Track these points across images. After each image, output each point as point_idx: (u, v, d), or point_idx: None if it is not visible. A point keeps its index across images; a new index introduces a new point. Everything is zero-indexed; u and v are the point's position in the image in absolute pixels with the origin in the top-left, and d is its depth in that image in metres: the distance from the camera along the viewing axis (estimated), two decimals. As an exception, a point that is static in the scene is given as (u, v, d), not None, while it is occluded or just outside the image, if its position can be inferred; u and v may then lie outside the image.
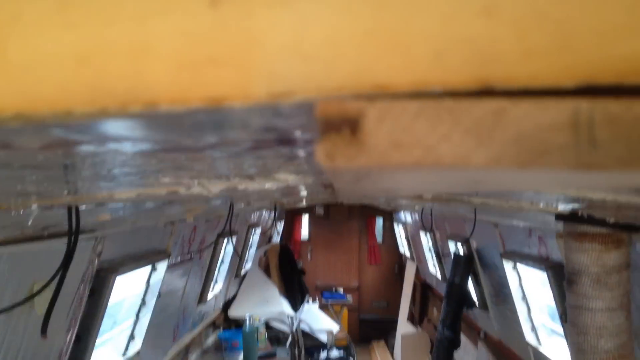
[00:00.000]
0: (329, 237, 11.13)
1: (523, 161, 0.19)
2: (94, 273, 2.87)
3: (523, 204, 1.95)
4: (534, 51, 0.19)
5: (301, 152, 0.44)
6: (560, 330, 3.82)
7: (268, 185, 1.04)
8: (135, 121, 0.24)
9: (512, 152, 0.19)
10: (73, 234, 1.55)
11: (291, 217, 10.98)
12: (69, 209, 1.44)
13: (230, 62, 0.21)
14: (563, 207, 1.92)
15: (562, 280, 2.36)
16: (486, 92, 0.19)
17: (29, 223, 1.30)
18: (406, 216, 8.47)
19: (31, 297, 1.83)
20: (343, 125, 0.21)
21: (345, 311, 10.00)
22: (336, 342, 7.81)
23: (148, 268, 3.78)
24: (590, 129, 0.19)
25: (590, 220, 1.94)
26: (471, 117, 0.19)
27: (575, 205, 1.88)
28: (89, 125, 0.25)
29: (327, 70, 0.20)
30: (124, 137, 0.28)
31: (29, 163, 0.51)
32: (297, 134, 0.30)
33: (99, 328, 3.13)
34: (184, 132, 0.30)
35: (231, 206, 3.11)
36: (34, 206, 1.15)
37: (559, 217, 2.08)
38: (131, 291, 3.87)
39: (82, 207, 1.44)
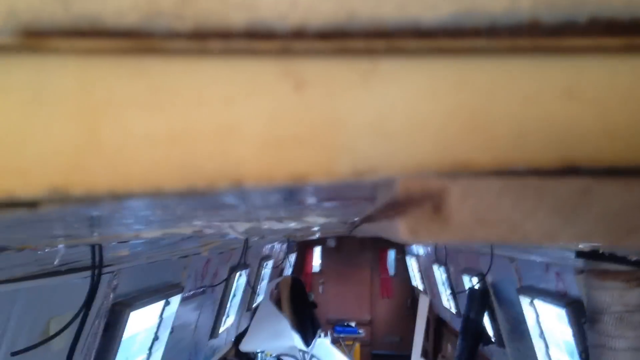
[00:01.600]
0: (341, 270, 11.04)
1: (611, 239, 0.20)
2: (109, 308, 2.86)
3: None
4: (617, 131, 0.19)
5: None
6: (580, 368, 3.72)
7: (292, 224, 1.05)
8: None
9: (600, 229, 0.19)
10: (96, 268, 1.56)
11: (303, 249, 10.93)
12: (93, 247, 1.45)
13: (314, 141, 0.21)
14: (584, 245, 1.90)
15: (581, 317, 2.32)
16: (570, 171, 0.19)
17: (55, 262, 1.31)
18: (418, 249, 8.40)
19: (53, 337, 1.82)
20: (425, 201, 0.21)
21: (357, 346, 9.84)
22: (349, 379, 7.66)
23: (162, 302, 3.76)
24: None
25: (612, 258, 1.91)
26: (556, 195, 0.20)
27: (597, 244, 1.85)
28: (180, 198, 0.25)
29: (409, 149, 0.21)
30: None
31: (80, 218, 0.52)
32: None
33: (113, 363, 3.10)
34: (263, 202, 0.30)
35: (246, 240, 3.11)
36: (60, 246, 1.16)
37: (580, 254, 2.05)
38: (144, 325, 3.85)
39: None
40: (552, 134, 0.19)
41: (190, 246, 2.94)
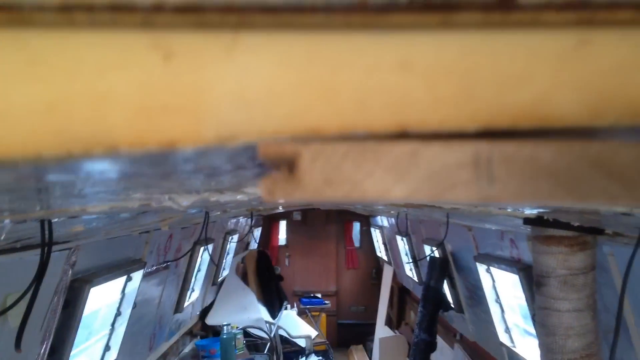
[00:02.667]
0: (307, 243, 11.15)
1: (434, 194, 0.23)
2: (67, 284, 2.84)
3: (491, 209, 2.00)
4: (442, 100, 0.22)
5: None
6: (533, 330, 3.90)
7: (240, 197, 1.07)
8: (101, 161, 0.27)
9: (425, 187, 0.22)
10: (46, 246, 1.55)
11: (269, 223, 10.98)
12: (42, 222, 1.44)
13: (182, 109, 0.24)
14: (529, 212, 1.98)
15: (533, 282, 2.42)
16: (403, 135, 0.22)
17: (2, 237, 1.30)
18: (383, 220, 8.54)
19: (4, 311, 1.82)
20: (282, 164, 0.24)
21: (323, 316, 10.02)
22: (314, 348, 7.82)
23: (123, 278, 3.75)
24: (489, 167, 0.22)
25: (556, 224, 2.00)
26: (391, 156, 0.22)
27: (541, 210, 1.94)
28: (59, 165, 0.27)
29: (267, 116, 0.23)
30: (92, 172, 0.31)
31: (2, 189, 0.53)
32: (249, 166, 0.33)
33: (74, 339, 3.10)
34: (153, 165, 0.32)
35: (206, 215, 3.12)
36: (7, 221, 1.15)
37: (527, 221, 2.14)
38: (106, 301, 3.84)
39: (55, 220, 1.45)
40: (389, 102, 0.22)
41: (150, 221, 2.93)
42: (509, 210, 1.94)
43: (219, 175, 0.44)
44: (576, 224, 1.96)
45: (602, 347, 2.77)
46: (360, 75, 0.22)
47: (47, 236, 1.48)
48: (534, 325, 3.58)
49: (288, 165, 0.24)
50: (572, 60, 0.22)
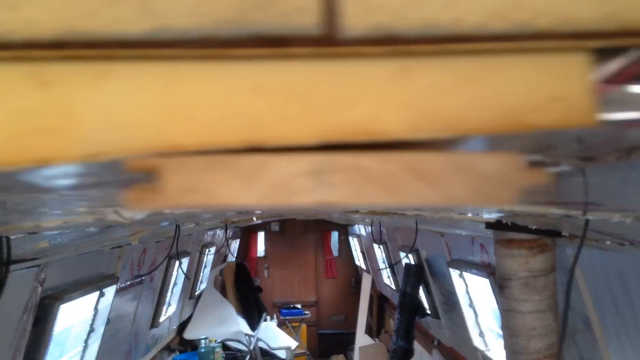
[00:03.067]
0: (286, 253, 11.13)
1: (280, 200, 0.26)
2: (37, 302, 2.82)
3: (453, 215, 2.05)
4: (287, 119, 0.26)
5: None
6: (505, 333, 3.95)
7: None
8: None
9: (272, 193, 0.26)
10: (4, 264, 1.55)
11: (247, 235, 10.94)
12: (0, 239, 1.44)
13: (55, 131, 0.27)
14: (489, 217, 2.04)
15: (499, 285, 2.47)
16: (253, 150, 0.26)
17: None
18: (360, 229, 8.59)
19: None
20: (145, 176, 0.27)
21: (303, 327, 9.99)
22: (295, 359, 7.80)
23: (95, 294, 3.72)
24: (326, 175, 0.26)
25: (514, 227, 2.06)
26: (241, 168, 0.26)
27: (500, 215, 1.99)
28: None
29: (132, 135, 0.26)
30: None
31: None
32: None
33: (45, 357, 3.06)
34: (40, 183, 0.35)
35: (177, 228, 3.12)
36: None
37: (488, 225, 2.20)
38: (79, 318, 3.80)
39: (14, 237, 1.45)
40: (241, 121, 0.25)
41: (120, 235, 2.92)
42: (469, 215, 1.99)
43: (90, 189, 0.48)
44: (533, 227, 2.02)
45: (570, 347, 2.84)
46: (215, 98, 0.26)
47: (5, 253, 1.49)
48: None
49: (151, 178, 0.27)
50: (395, 84, 0.26)
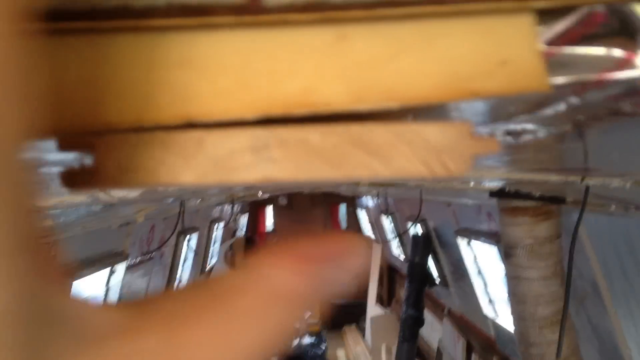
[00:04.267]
0: (294, 227, 11.19)
1: (220, 177, 0.25)
2: (47, 280, 2.85)
3: (454, 184, 2.04)
4: (222, 92, 0.24)
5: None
6: (513, 300, 3.97)
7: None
8: None
9: (212, 170, 0.25)
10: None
11: (255, 209, 11.00)
12: None
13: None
14: (492, 185, 2.02)
15: (506, 253, 2.47)
16: (190, 126, 0.25)
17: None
18: (368, 201, 8.60)
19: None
20: (79, 157, 0.26)
21: (315, 298, 10.08)
22: (308, 329, 7.91)
23: (106, 271, 3.77)
24: (267, 150, 0.25)
25: (518, 195, 2.04)
26: (179, 145, 0.25)
27: (503, 183, 1.98)
28: None
29: (61, 112, 0.25)
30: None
31: None
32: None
33: (58, 334, 3.11)
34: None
35: (181, 205, 3.14)
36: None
37: (492, 194, 2.18)
38: (90, 294, 3.86)
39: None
40: (173, 96, 0.24)
41: (125, 213, 2.95)
42: (471, 184, 1.97)
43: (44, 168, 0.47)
44: (538, 194, 2.00)
45: (579, 312, 2.85)
46: (145, 72, 0.25)
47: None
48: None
49: (85, 158, 0.26)
50: (332, 53, 0.24)
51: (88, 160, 0.27)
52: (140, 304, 0.21)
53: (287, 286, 0.22)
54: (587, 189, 1.43)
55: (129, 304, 0.21)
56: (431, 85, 0.24)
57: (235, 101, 0.25)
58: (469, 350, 5.40)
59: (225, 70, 0.25)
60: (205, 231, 6.56)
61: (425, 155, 0.24)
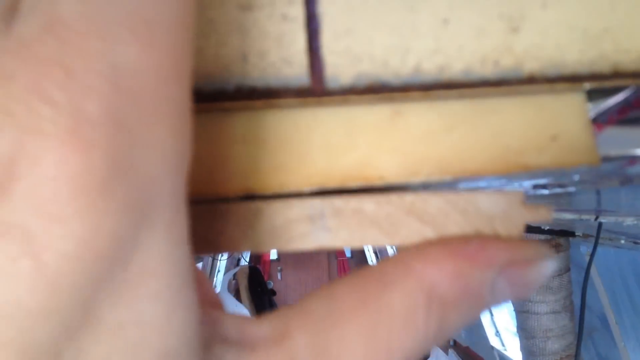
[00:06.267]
0: (298, 255, 11.15)
1: (277, 246, 0.26)
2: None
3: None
4: (281, 166, 0.26)
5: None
6: (521, 333, 3.93)
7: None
8: None
9: (269, 239, 0.26)
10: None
11: (259, 238, 10.96)
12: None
13: None
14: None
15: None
16: (249, 197, 0.26)
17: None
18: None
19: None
20: None
21: (318, 329, 9.99)
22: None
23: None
24: (322, 219, 0.26)
25: (528, 229, 2.04)
26: (238, 216, 0.26)
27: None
28: None
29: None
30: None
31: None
32: None
33: None
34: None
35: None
36: None
37: (500, 227, 2.18)
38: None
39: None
40: (234, 170, 0.25)
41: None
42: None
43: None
44: (547, 227, 2.00)
45: (588, 346, 2.81)
46: (209, 147, 0.26)
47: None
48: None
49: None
50: (387, 128, 0.25)
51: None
52: (291, 308, 0.20)
53: (439, 286, 0.19)
54: (600, 225, 1.44)
55: (280, 311, 0.20)
56: (483, 158, 0.25)
57: (293, 175, 0.26)
58: (476, 383, 5.31)
59: (284, 145, 0.26)
60: (209, 261, 6.54)
61: (478, 223, 0.25)
